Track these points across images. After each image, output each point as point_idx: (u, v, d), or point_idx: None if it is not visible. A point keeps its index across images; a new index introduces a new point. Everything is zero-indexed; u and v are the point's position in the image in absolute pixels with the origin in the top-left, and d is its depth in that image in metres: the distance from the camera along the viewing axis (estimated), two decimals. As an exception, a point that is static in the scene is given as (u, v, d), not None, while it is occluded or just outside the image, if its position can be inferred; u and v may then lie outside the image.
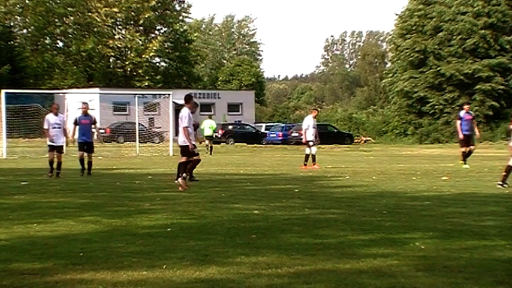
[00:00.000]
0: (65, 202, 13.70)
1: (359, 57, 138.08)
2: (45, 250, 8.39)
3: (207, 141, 40.31)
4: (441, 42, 64.91)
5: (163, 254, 8.10)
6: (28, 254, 8.16)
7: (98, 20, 79.34)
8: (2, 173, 22.62)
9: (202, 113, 70.96)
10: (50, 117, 20.60)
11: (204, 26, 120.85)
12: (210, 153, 39.01)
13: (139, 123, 41.81)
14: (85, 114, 21.49)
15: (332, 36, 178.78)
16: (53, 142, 20.46)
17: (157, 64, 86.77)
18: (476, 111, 62.94)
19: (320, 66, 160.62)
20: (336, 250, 8.40)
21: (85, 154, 21.13)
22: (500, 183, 16.76)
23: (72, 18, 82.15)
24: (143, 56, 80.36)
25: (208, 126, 40.96)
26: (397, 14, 70.45)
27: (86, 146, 21.20)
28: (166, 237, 9.32)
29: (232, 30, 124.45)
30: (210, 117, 43.32)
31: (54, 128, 20.47)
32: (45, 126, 20.64)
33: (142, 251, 8.35)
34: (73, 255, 8.05)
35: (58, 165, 20.39)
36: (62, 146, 20.88)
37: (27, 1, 79.91)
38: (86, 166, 21.10)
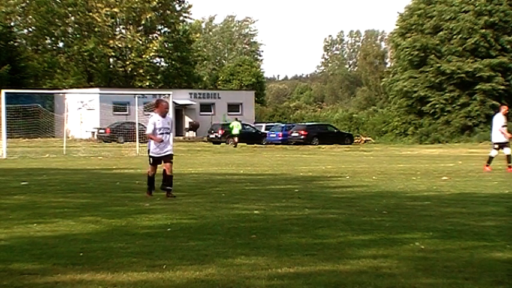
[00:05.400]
0: (65, 202, 13.68)
1: (359, 57, 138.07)
2: (45, 250, 8.38)
3: (236, 139, 53.18)
4: (441, 41, 64.82)
5: (163, 254, 8.08)
6: (28, 254, 8.16)
7: (99, 20, 79.37)
8: (2, 173, 22.60)
9: (202, 113, 71.39)
10: (156, 119, 14.71)
11: (204, 25, 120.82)
12: (235, 146, 51.52)
13: (139, 123, 41.75)
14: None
15: (330, 36, 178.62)
16: (159, 153, 14.80)
17: (158, 64, 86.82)
18: (477, 111, 63.01)
19: (320, 66, 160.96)
20: (336, 250, 8.39)
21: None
22: None
23: (73, 18, 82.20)
24: (144, 56, 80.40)
25: (235, 126, 53.92)
26: (398, 13, 70.35)
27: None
28: (166, 237, 9.31)
29: (233, 30, 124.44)
30: (236, 119, 56.38)
31: (162, 133, 14.70)
32: (149, 131, 14.76)
33: (142, 251, 8.34)
34: (73, 255, 8.04)
35: (169, 178, 14.85)
36: (171, 155, 15.03)
37: (28, 1, 79.89)
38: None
